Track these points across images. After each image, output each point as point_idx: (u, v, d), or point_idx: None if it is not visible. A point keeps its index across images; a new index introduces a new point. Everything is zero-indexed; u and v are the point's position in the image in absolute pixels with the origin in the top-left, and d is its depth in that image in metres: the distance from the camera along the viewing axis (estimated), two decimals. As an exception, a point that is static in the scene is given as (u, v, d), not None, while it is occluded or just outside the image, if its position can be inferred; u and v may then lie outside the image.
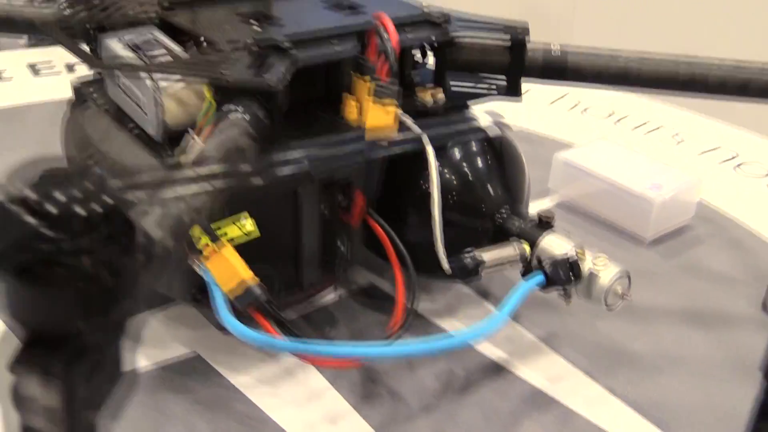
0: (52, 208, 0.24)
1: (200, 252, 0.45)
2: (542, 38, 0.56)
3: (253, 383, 0.52)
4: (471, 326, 0.47)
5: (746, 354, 0.57)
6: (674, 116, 0.92)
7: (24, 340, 0.26)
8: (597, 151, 0.75)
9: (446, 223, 0.51)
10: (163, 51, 0.50)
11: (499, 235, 0.54)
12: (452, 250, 0.53)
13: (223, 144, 0.42)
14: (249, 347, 0.51)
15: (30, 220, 0.24)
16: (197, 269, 0.45)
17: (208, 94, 0.46)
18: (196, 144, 0.45)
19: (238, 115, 0.44)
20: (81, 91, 0.58)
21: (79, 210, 0.25)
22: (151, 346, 0.55)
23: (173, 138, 0.48)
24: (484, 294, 0.60)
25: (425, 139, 0.50)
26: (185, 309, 0.56)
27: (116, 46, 0.52)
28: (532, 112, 0.87)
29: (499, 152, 0.56)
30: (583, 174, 0.72)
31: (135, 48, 0.51)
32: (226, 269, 0.44)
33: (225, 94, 0.46)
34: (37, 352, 0.26)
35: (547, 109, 0.92)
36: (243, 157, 0.42)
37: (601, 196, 0.71)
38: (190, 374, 0.53)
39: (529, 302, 0.52)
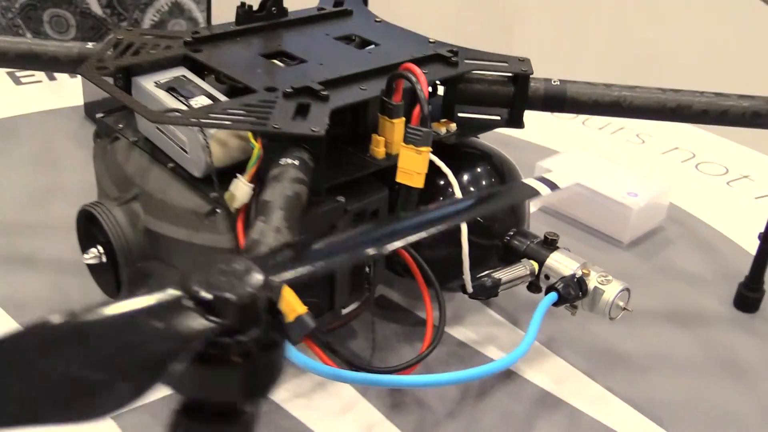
0: (227, 307, 0.28)
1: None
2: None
3: (290, 398, 0.57)
4: (512, 352, 0.52)
5: (724, 351, 0.64)
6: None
7: (181, 406, 0.30)
8: (574, 161, 0.82)
9: (476, 246, 0.57)
10: (201, 94, 0.54)
11: (507, 255, 0.59)
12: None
13: (283, 192, 0.46)
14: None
15: (212, 319, 0.28)
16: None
17: (254, 141, 0.50)
18: (244, 186, 0.49)
19: (289, 162, 0.48)
20: (107, 123, 0.60)
21: (251, 302, 0.29)
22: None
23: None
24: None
25: (452, 179, 0.54)
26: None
27: (151, 87, 0.55)
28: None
29: (503, 174, 0.61)
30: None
31: (171, 90, 0.55)
32: (284, 306, 0.48)
33: (270, 138, 0.50)
34: (194, 421, 0.30)
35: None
36: (301, 204, 0.47)
37: (581, 203, 0.77)
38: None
39: (528, 308, 0.58)
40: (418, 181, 0.51)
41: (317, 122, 0.50)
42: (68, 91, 0.95)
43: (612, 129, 0.97)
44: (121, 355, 0.27)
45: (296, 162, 0.49)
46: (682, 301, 0.70)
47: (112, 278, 0.54)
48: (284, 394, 0.57)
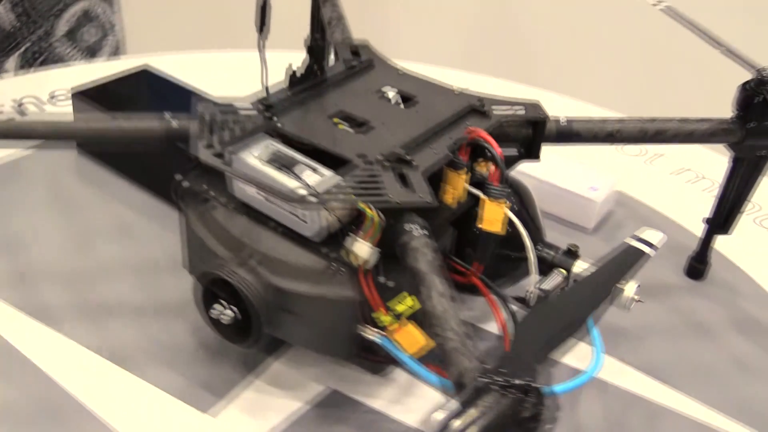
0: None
1: (382, 328, 0.60)
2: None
3: (387, 404, 0.69)
4: (596, 362, 0.65)
5: (689, 314, 0.82)
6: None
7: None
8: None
9: (506, 258, 0.70)
10: (298, 163, 0.63)
11: (539, 265, 0.73)
12: (506, 280, 0.72)
13: (433, 262, 0.57)
14: (366, 375, 0.68)
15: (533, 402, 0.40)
16: (374, 338, 0.61)
17: (370, 210, 0.60)
18: (367, 247, 0.60)
19: (413, 227, 0.60)
20: (194, 189, 0.68)
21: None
22: (291, 388, 0.69)
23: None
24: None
25: (516, 220, 0.67)
26: (298, 352, 0.71)
27: (253, 161, 0.64)
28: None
29: (525, 194, 0.75)
30: (536, 181, 0.93)
31: (273, 163, 0.64)
32: (410, 338, 0.60)
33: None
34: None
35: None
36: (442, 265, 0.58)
37: (551, 198, 0.92)
38: (338, 406, 0.68)
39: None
40: (499, 228, 0.64)
41: (422, 190, 0.61)
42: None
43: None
44: None
45: (425, 231, 0.60)
46: (647, 275, 0.87)
47: (241, 330, 0.63)
48: (380, 402, 0.69)
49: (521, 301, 0.69)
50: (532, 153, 0.74)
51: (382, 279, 0.61)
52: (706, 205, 0.84)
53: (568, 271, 0.72)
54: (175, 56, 1.19)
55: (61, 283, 0.78)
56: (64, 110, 1.04)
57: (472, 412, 0.40)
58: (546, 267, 0.72)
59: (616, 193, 0.96)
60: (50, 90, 1.09)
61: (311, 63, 0.74)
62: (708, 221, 0.84)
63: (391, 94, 0.74)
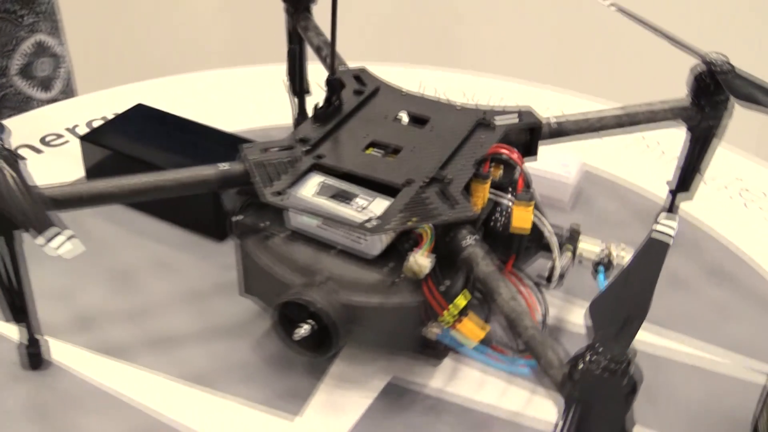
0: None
1: (446, 321, 0.71)
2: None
3: (442, 387, 0.80)
4: None
5: (666, 270, 0.95)
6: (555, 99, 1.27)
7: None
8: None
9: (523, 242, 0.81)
10: (358, 195, 0.73)
11: (548, 247, 0.85)
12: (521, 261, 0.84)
13: (496, 266, 0.68)
14: (423, 364, 0.79)
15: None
16: (437, 333, 0.72)
17: (426, 227, 0.70)
18: (425, 260, 0.70)
19: (474, 241, 0.70)
20: (248, 223, 0.77)
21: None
22: (356, 384, 0.79)
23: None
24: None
25: (541, 217, 0.78)
26: (353, 351, 0.81)
27: (312, 197, 0.73)
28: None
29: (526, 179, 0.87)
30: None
31: (332, 197, 0.73)
32: (471, 329, 0.71)
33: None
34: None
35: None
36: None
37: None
38: (401, 394, 0.79)
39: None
40: (529, 227, 0.75)
41: (464, 204, 0.72)
42: (61, 163, 1.04)
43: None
44: None
45: (477, 238, 0.71)
46: (622, 238, 1.00)
47: (318, 343, 0.73)
48: (435, 382, 0.80)
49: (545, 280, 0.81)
50: (531, 152, 0.86)
51: (447, 282, 0.71)
52: (666, 172, 0.97)
53: (575, 249, 0.84)
54: (130, 86, 1.26)
55: (122, 321, 0.85)
56: (65, 151, 1.09)
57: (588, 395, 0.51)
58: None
59: (582, 168, 1.08)
60: (40, 135, 1.13)
61: (330, 95, 0.83)
62: (671, 188, 0.98)
63: (406, 119, 0.84)
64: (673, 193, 0.98)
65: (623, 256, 0.82)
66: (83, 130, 1.13)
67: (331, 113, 0.83)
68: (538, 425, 0.76)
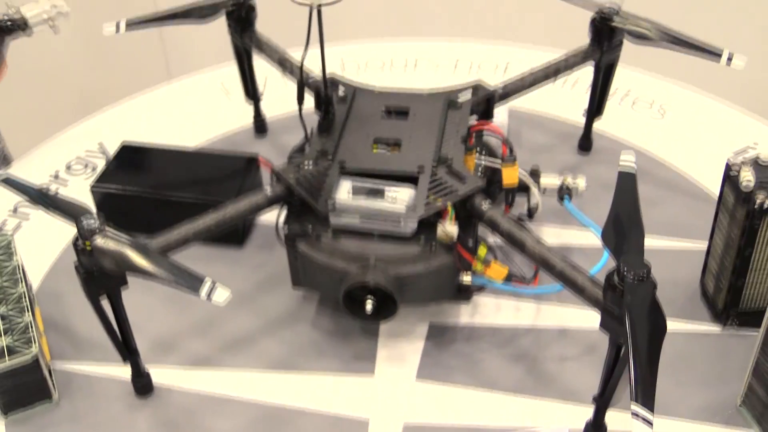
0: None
1: (477, 269, 0.91)
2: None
3: (472, 321, 1.00)
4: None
5: (591, 175, 1.19)
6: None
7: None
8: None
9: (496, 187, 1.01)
10: (391, 189, 0.90)
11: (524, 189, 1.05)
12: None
13: (511, 221, 0.88)
14: (448, 306, 0.99)
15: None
16: (469, 279, 0.92)
17: (449, 204, 0.89)
18: (453, 227, 0.90)
19: (489, 205, 0.89)
20: (297, 229, 0.93)
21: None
22: (406, 334, 0.99)
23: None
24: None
25: (523, 173, 0.98)
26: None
27: (351, 199, 0.90)
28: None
29: (494, 147, 1.07)
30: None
31: (369, 195, 0.90)
32: (498, 272, 0.92)
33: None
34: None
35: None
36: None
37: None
38: (442, 334, 0.99)
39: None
40: (516, 183, 0.96)
41: (472, 178, 0.91)
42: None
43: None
44: None
45: (491, 202, 0.90)
46: (556, 159, 1.23)
47: (377, 310, 0.90)
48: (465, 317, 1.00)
49: (525, 217, 1.02)
50: (489, 116, 1.06)
51: (471, 242, 0.91)
52: (583, 102, 1.20)
53: (538, 185, 1.05)
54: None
55: (195, 336, 1.00)
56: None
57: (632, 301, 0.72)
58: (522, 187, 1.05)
59: (508, 110, 1.29)
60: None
61: (327, 109, 0.99)
62: (586, 111, 1.20)
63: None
64: (588, 117, 1.21)
65: (578, 183, 1.03)
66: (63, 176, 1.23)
67: (330, 123, 0.99)
68: (550, 329, 0.99)
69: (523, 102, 1.30)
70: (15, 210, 1.19)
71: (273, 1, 1.20)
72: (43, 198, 0.87)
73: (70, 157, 1.29)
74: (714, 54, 1.03)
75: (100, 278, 0.81)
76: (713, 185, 1.18)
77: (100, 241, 0.79)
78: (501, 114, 1.25)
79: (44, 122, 1.42)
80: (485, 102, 1.04)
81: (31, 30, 1.15)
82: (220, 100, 1.41)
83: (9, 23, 1.13)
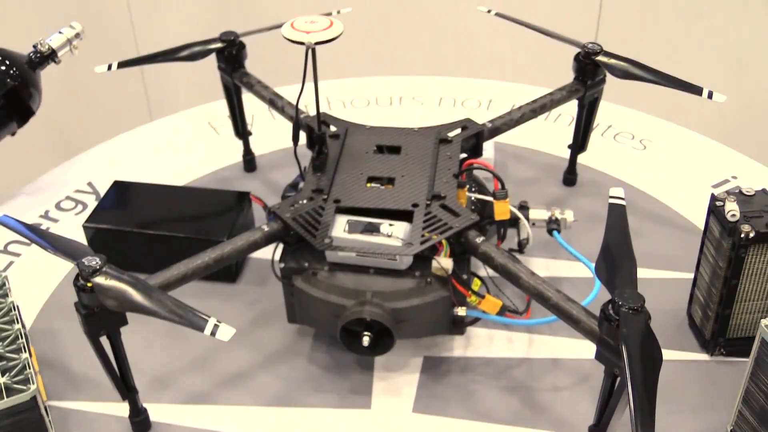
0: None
1: (472, 302, 0.93)
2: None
3: (465, 353, 1.02)
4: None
5: (578, 208, 1.22)
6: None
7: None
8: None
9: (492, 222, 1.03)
10: (386, 225, 0.92)
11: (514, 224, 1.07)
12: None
13: (504, 254, 0.90)
14: (441, 339, 1.00)
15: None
16: (463, 312, 0.93)
17: (443, 240, 0.91)
18: (447, 261, 0.91)
19: (481, 239, 0.91)
20: (293, 266, 0.94)
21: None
22: (401, 367, 1.00)
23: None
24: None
25: (513, 209, 1.00)
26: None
27: (346, 235, 0.91)
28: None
29: (484, 182, 1.09)
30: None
31: (364, 233, 0.91)
32: (492, 305, 0.93)
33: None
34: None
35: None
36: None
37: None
38: (436, 365, 1.00)
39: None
40: (508, 216, 0.98)
41: (465, 213, 0.93)
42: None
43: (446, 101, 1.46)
44: None
45: (483, 237, 0.92)
46: (540, 192, 1.25)
47: (374, 344, 0.92)
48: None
49: (516, 250, 1.04)
50: (478, 153, 1.08)
51: (465, 276, 0.93)
52: (566, 135, 1.23)
53: (527, 218, 1.07)
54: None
55: (190, 372, 1.00)
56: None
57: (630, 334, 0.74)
58: (513, 221, 1.07)
59: (494, 145, 1.32)
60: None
61: (320, 148, 1.01)
62: (570, 146, 1.23)
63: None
64: (573, 151, 1.24)
65: (566, 216, 1.06)
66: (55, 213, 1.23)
67: (324, 161, 1.01)
68: (543, 359, 1.00)
69: (506, 136, 1.33)
70: (5, 248, 1.18)
71: (258, 39, 1.22)
72: (41, 237, 0.87)
73: (60, 196, 1.29)
74: (695, 89, 1.07)
75: (101, 317, 0.81)
76: (694, 215, 1.21)
77: (101, 280, 0.80)
78: (488, 149, 1.27)
79: (26, 164, 1.43)
80: (474, 138, 1.07)
81: (59, 58, 1.21)
82: (206, 138, 1.43)
83: (38, 57, 1.19)
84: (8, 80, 1.15)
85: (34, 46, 1.19)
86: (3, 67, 1.15)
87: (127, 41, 2.16)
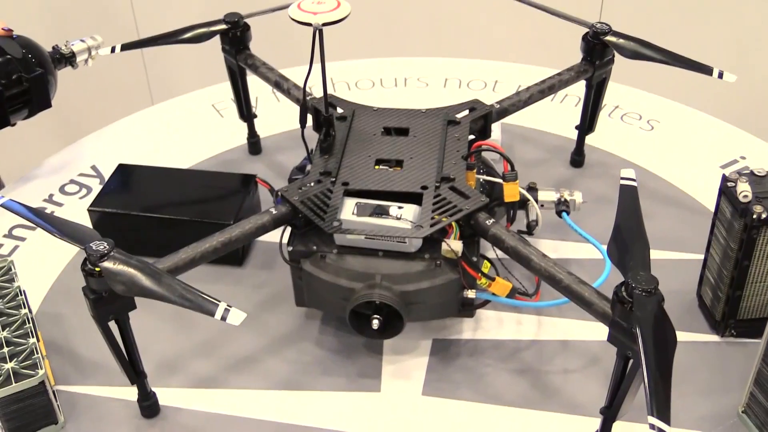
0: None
1: (482, 284, 0.92)
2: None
3: (476, 335, 1.01)
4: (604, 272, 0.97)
5: (586, 189, 1.21)
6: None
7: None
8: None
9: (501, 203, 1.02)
10: (394, 208, 0.91)
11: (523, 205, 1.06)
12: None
13: (513, 235, 0.89)
14: (450, 322, 1.00)
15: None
16: (474, 294, 0.93)
17: (453, 222, 0.90)
18: (457, 243, 0.91)
19: (491, 221, 0.90)
20: (301, 249, 0.93)
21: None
22: (410, 350, 1.00)
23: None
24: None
25: (522, 191, 0.99)
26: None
27: (355, 218, 0.90)
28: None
29: (493, 164, 1.08)
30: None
31: (372, 215, 0.90)
32: (502, 287, 0.93)
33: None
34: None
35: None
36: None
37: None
38: (446, 348, 1.00)
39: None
40: (518, 198, 0.97)
41: (475, 195, 0.92)
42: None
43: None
44: None
45: (493, 219, 0.91)
46: (549, 173, 1.25)
47: (383, 327, 0.91)
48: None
49: (525, 232, 1.03)
50: (486, 134, 1.07)
51: (474, 258, 0.92)
52: (572, 116, 1.22)
53: (536, 200, 1.06)
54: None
55: (199, 356, 1.00)
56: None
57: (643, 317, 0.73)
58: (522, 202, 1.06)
59: (500, 126, 1.31)
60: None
61: (328, 130, 1.00)
62: (578, 127, 1.22)
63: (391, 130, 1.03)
64: (580, 132, 1.23)
65: (575, 197, 1.05)
66: (57, 195, 1.23)
67: (331, 143, 1.00)
68: (552, 341, 1.00)
69: (513, 117, 1.32)
70: (10, 232, 1.18)
71: (261, 20, 1.21)
72: (47, 221, 0.86)
73: (64, 180, 1.28)
74: (706, 68, 1.06)
75: (109, 302, 0.81)
76: (703, 196, 1.20)
77: (109, 265, 0.79)
78: (495, 130, 1.26)
79: (30, 148, 1.42)
80: (482, 119, 1.06)
81: (77, 64, 1.24)
82: (210, 121, 1.42)
83: (57, 56, 1.22)
84: (37, 67, 1.16)
85: (55, 47, 1.22)
86: (33, 54, 1.17)
87: (126, 23, 2.15)
